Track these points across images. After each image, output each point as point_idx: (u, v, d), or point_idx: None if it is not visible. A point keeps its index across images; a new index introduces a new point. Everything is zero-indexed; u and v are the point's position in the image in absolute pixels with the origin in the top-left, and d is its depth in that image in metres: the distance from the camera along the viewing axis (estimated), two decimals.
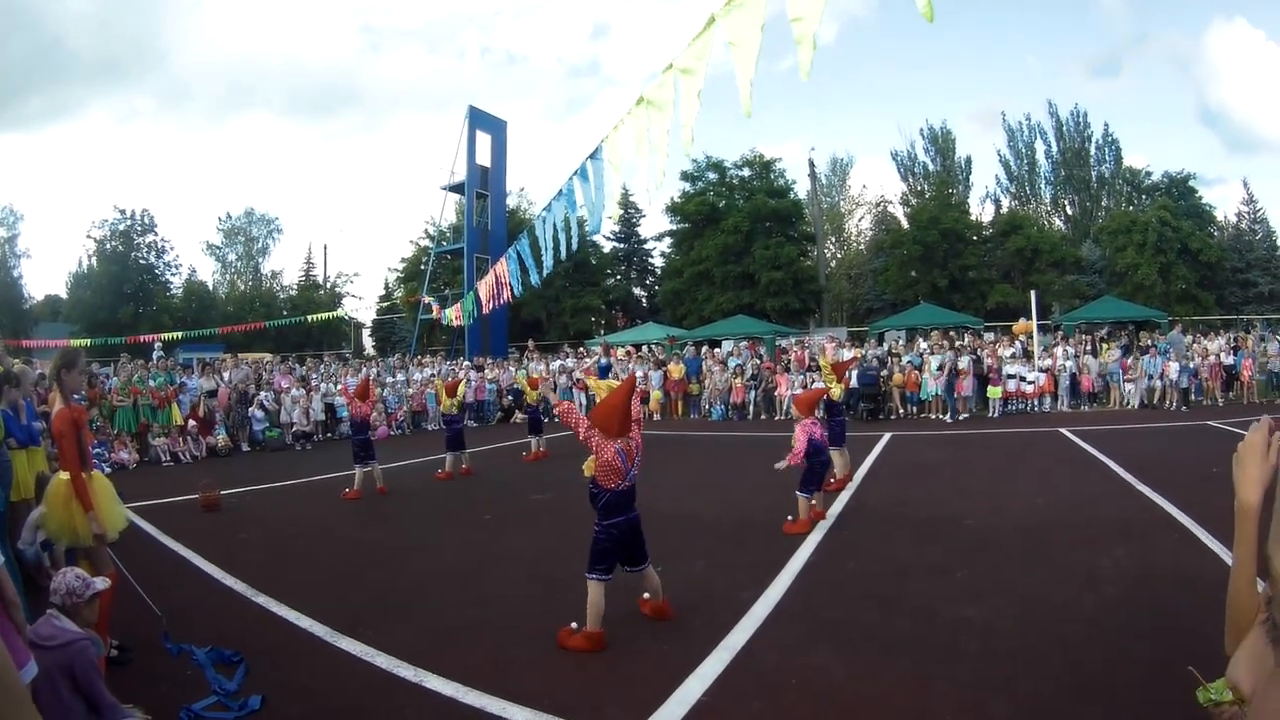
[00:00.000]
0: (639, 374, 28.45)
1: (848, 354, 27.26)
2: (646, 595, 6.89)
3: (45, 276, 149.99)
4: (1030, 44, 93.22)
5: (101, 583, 5.00)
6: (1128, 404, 24.16)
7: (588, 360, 29.78)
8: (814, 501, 10.27)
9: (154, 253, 56.60)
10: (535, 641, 6.44)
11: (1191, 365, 23.92)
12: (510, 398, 28.71)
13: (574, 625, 6.39)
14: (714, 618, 6.71)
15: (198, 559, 9.56)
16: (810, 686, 5.39)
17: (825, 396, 12.52)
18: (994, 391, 24.03)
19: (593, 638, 6.25)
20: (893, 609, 6.92)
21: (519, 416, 25.69)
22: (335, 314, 57.59)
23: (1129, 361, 24.58)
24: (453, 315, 22.34)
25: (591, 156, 7.37)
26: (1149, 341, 25.64)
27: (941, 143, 60.02)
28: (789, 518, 10.16)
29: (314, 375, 26.36)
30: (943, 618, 6.59)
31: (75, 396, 6.75)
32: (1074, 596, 6.98)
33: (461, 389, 16.60)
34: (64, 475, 6.17)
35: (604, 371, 21.67)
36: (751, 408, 26.72)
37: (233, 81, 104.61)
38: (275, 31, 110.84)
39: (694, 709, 5.12)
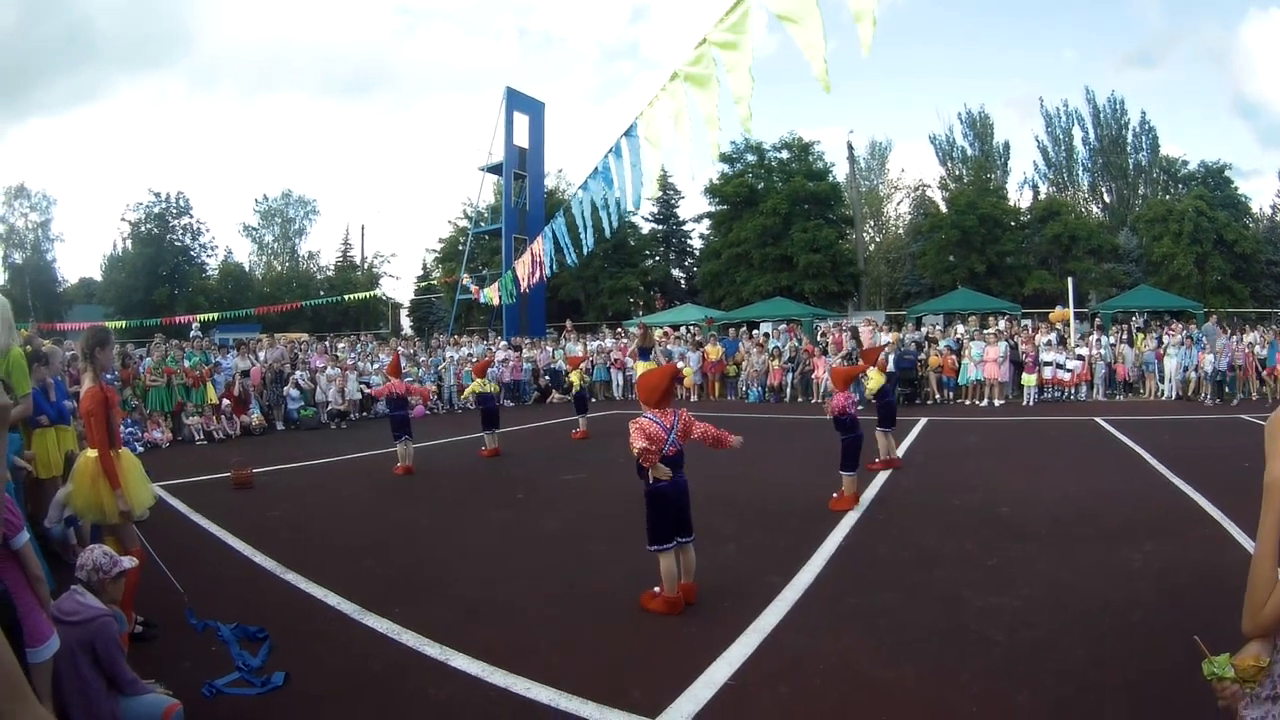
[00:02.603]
0: (676, 353, 28.50)
1: (885, 337, 27.13)
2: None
3: (79, 259, 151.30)
4: (1067, 33, 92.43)
5: (129, 561, 5.01)
6: (1163, 394, 23.95)
7: (628, 343, 29.69)
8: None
9: (189, 234, 57.33)
10: (562, 622, 6.45)
11: (1226, 358, 23.68)
12: (547, 377, 28.75)
13: (656, 589, 6.61)
14: (743, 601, 6.67)
15: (227, 536, 9.60)
16: (837, 672, 5.35)
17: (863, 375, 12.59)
18: (1029, 379, 23.85)
19: (669, 601, 6.52)
20: (921, 596, 6.87)
21: (555, 397, 25.76)
22: (372, 294, 57.82)
23: (1163, 350, 24.30)
24: (491, 295, 22.36)
25: (626, 134, 7.32)
26: (1183, 333, 25.33)
27: (980, 127, 59.56)
28: (834, 494, 10.24)
29: (350, 354, 26.37)
30: (971, 606, 6.53)
31: (107, 375, 6.75)
32: (1103, 589, 6.89)
33: (490, 373, 16.54)
34: (91, 453, 6.17)
35: (644, 354, 21.65)
36: (789, 390, 26.62)
37: (267, 63, 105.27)
38: (310, 13, 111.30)
39: (720, 691, 5.09)
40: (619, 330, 34.57)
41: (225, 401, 20.98)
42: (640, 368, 20.48)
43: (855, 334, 27.02)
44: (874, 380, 12.95)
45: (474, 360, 26.91)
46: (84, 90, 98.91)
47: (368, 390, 14.09)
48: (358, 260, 72.09)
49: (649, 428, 6.56)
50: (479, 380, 16.10)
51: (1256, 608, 2.41)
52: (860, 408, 11.03)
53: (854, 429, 10.33)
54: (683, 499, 6.71)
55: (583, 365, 20.35)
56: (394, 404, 14.28)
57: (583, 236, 9.46)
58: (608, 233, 9.32)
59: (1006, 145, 59.22)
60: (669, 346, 29.41)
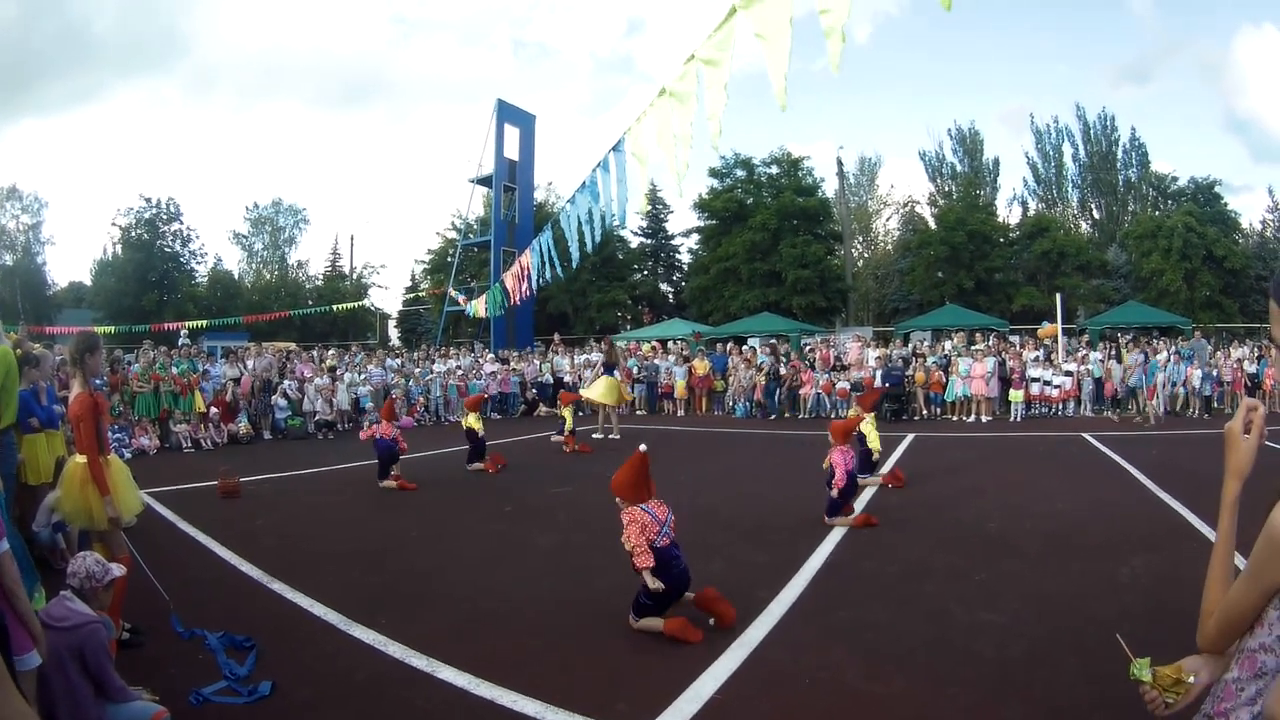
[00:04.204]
0: (663, 368, 28.58)
1: (874, 352, 27.19)
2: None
3: (69, 263, 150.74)
4: (1059, 49, 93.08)
5: (118, 569, 5.01)
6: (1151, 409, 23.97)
7: (594, 355, 29.58)
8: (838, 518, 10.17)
9: (179, 241, 57.13)
10: (550, 634, 6.43)
11: (1214, 373, 23.77)
12: (534, 390, 28.75)
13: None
14: None
15: (214, 545, 9.58)
16: (823, 686, 5.36)
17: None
18: (1016, 395, 23.96)
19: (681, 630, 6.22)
20: (909, 611, 6.87)
21: (543, 410, 25.69)
22: (360, 304, 57.80)
23: (1150, 365, 24.37)
24: (478, 307, 22.33)
25: (615, 149, 7.35)
26: (1172, 348, 25.44)
27: (970, 144, 60.00)
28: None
29: (339, 365, 26.32)
30: (959, 621, 6.54)
31: (96, 381, 6.76)
32: (1091, 603, 6.91)
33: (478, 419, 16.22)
34: (80, 458, 6.17)
35: (609, 370, 21.60)
36: (775, 405, 26.53)
37: (261, 71, 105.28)
38: (305, 21, 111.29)
39: (707, 705, 5.09)
40: (604, 343, 34.67)
41: (213, 410, 20.95)
42: (601, 383, 20.56)
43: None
44: (872, 435, 12.88)
45: (460, 373, 27.01)
46: (78, 93, 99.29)
47: (361, 434, 13.72)
48: (346, 270, 72.15)
49: (642, 517, 6.42)
50: (474, 415, 15.97)
51: (1204, 616, 2.47)
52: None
53: (851, 479, 10.27)
54: (683, 589, 6.58)
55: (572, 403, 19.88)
56: (380, 445, 13.93)
57: (572, 250, 9.49)
58: (589, 247, 9.32)
59: (996, 161, 59.83)
60: (656, 361, 29.46)
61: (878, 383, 23.63)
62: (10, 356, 7.33)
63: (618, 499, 6.61)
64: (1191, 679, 2.50)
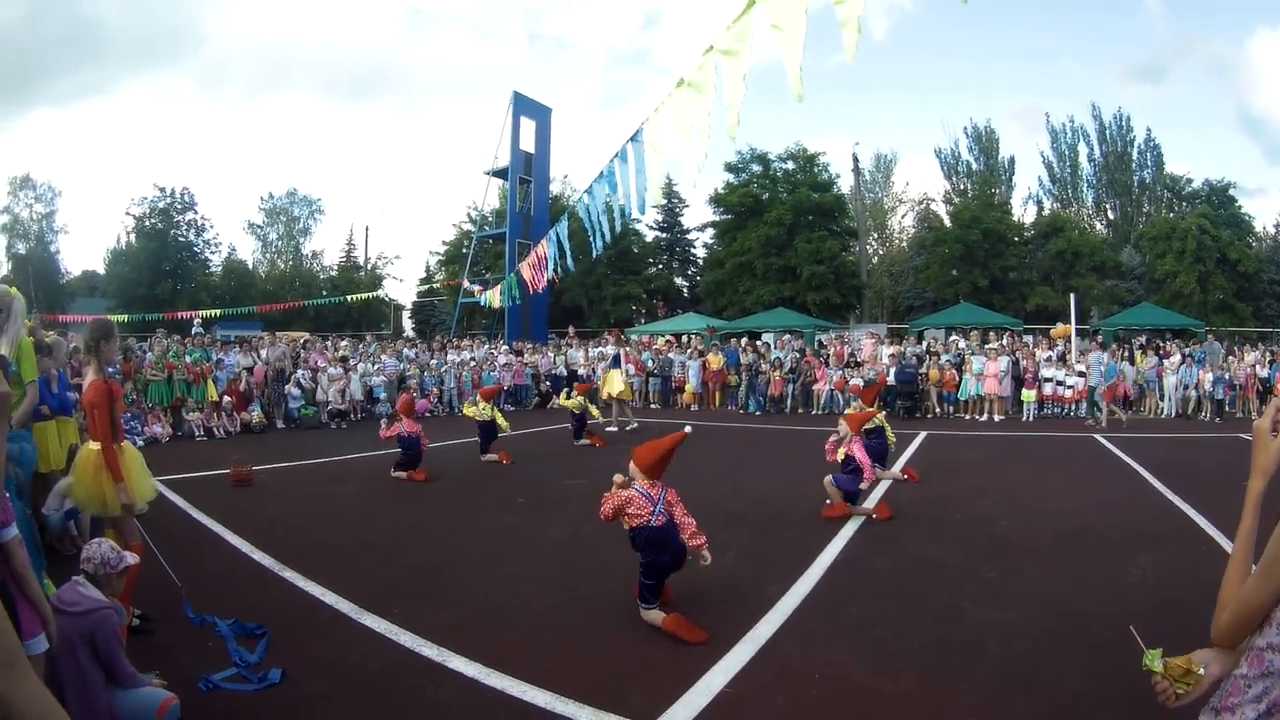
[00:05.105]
0: (676, 362, 28.58)
1: (887, 349, 27.11)
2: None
3: (83, 252, 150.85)
4: (1074, 48, 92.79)
5: (133, 557, 5.02)
6: (1163, 412, 23.95)
7: (608, 349, 29.47)
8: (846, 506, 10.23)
9: (193, 230, 57.51)
10: (561, 626, 6.45)
11: (1227, 376, 23.70)
12: (548, 383, 28.74)
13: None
14: (740, 610, 6.66)
15: (226, 533, 9.61)
16: (833, 682, 5.35)
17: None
18: (1029, 395, 23.93)
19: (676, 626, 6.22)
20: (919, 608, 6.87)
21: (556, 402, 25.68)
22: (375, 294, 57.83)
23: (1164, 367, 24.31)
24: (493, 298, 22.30)
25: (632, 139, 7.34)
26: (1183, 351, 25.36)
27: (985, 142, 59.85)
28: (826, 501, 10.35)
29: (352, 355, 26.33)
30: (968, 619, 6.54)
31: (109, 369, 6.76)
32: (1099, 602, 6.90)
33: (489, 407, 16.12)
34: (93, 445, 6.19)
35: (615, 361, 21.47)
36: (789, 401, 26.58)
37: (275, 62, 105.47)
38: (319, 14, 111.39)
39: (716, 699, 5.09)
40: (622, 337, 34.56)
41: (226, 398, 21.02)
42: (612, 377, 20.58)
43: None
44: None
45: (474, 364, 27.01)
46: (92, 84, 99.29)
47: (382, 433, 13.54)
48: (361, 261, 72.15)
49: (634, 499, 6.48)
50: (485, 404, 15.99)
51: (1219, 609, 2.48)
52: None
53: (858, 470, 10.35)
54: (680, 561, 6.59)
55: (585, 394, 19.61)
56: (405, 442, 13.83)
57: (591, 240, 9.47)
58: (607, 237, 9.29)
59: (1011, 160, 59.75)
60: (670, 355, 29.44)
61: (891, 380, 23.58)
62: (30, 347, 7.35)
63: (632, 466, 6.69)
64: (1202, 670, 2.51)
